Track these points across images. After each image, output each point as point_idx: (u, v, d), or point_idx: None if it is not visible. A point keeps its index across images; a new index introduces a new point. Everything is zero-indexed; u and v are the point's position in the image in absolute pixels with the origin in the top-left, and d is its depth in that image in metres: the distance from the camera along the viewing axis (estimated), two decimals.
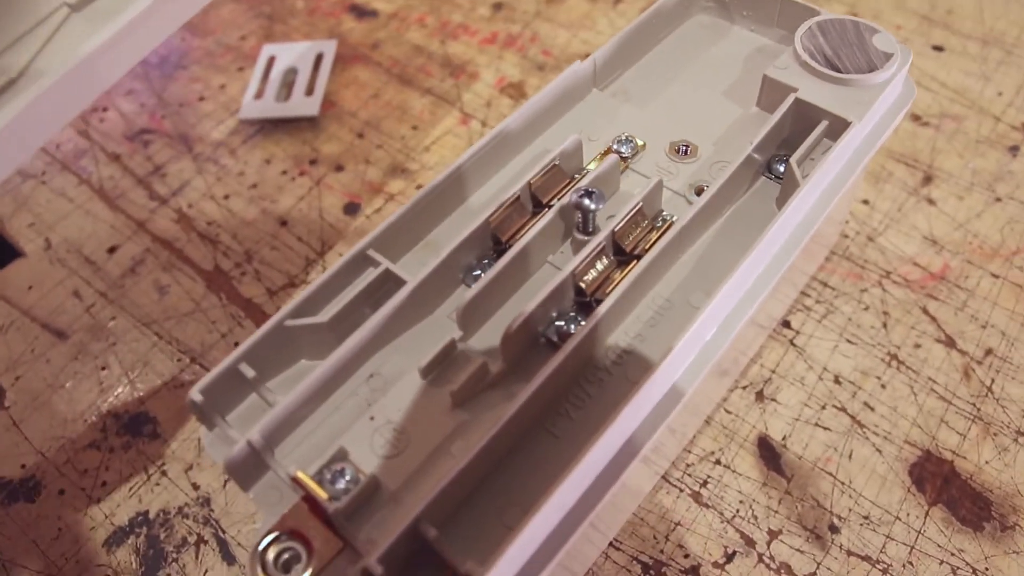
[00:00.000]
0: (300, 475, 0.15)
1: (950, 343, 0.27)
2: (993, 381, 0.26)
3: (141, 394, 0.28)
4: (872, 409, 0.26)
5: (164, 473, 0.26)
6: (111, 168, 0.36)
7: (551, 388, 0.16)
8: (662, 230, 0.18)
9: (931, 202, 0.31)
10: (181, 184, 0.34)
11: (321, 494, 0.15)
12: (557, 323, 0.17)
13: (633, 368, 0.17)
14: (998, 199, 0.31)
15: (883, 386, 0.26)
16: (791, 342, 0.27)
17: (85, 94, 0.22)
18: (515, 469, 0.16)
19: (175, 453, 0.27)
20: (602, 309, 0.16)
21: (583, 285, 0.17)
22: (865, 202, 0.31)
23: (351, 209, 0.33)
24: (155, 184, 0.35)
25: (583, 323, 0.17)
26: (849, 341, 0.27)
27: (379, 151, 0.35)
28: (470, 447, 0.15)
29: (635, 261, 0.18)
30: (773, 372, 0.27)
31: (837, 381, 0.27)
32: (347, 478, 0.15)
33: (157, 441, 0.27)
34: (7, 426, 0.28)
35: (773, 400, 0.26)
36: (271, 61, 0.39)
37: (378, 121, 0.36)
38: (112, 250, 0.32)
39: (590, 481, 0.15)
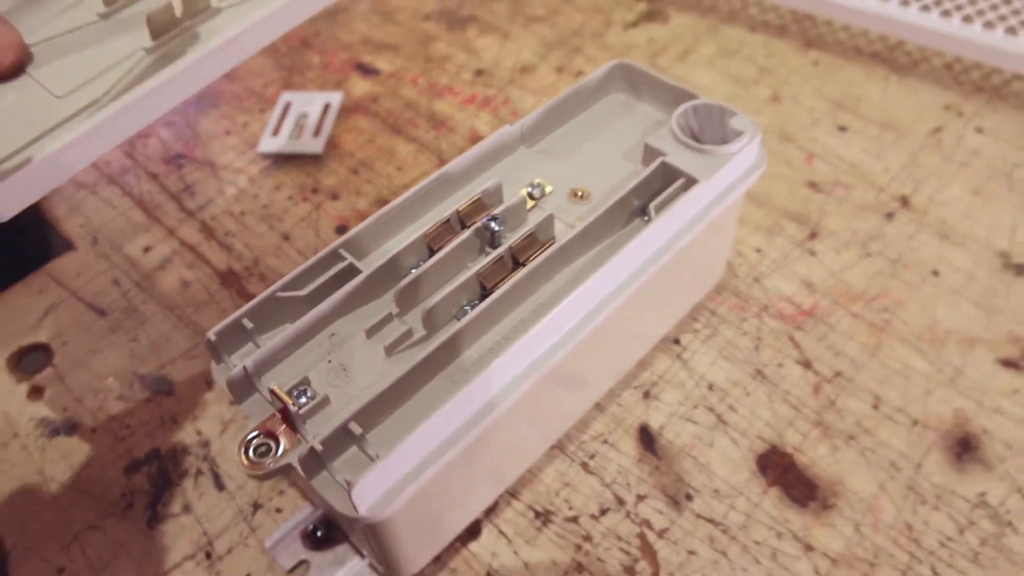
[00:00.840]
0: (276, 388, 0.23)
1: (807, 365, 0.35)
2: (837, 397, 0.34)
3: (162, 362, 0.36)
4: (735, 411, 0.34)
5: (175, 421, 0.34)
6: (150, 184, 0.44)
7: (450, 348, 0.24)
8: (546, 246, 0.27)
9: (812, 253, 0.39)
10: (206, 201, 0.43)
11: (288, 401, 0.23)
12: (465, 308, 0.25)
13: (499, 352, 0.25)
14: (868, 255, 0.39)
15: (747, 394, 0.34)
16: (678, 356, 0.35)
17: (145, 118, 0.30)
18: (421, 400, 0.24)
19: (184, 407, 0.35)
20: (493, 297, 0.24)
21: (484, 282, 0.25)
22: (758, 250, 0.39)
23: (341, 230, 0.41)
24: (184, 199, 0.43)
25: (479, 306, 0.25)
26: (725, 358, 0.35)
27: (368, 185, 0.43)
28: (389, 381, 0.23)
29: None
30: (660, 377, 0.35)
31: (710, 388, 0.34)
32: (307, 396, 0.23)
33: (172, 398, 0.35)
34: (53, 379, 0.36)
35: (656, 399, 0.34)
36: (287, 106, 0.48)
37: (371, 161, 0.45)
38: (147, 249, 0.41)
39: (464, 418, 0.23)
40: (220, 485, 0.32)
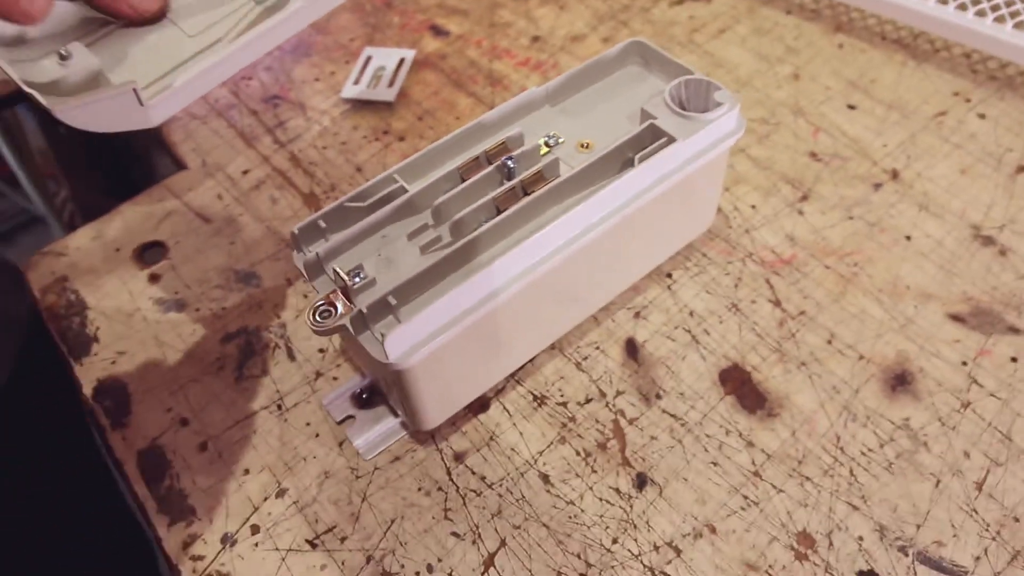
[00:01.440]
0: (338, 268, 0.32)
1: (777, 303, 0.42)
2: (798, 331, 0.41)
3: (253, 261, 0.46)
4: (708, 334, 0.41)
5: (260, 306, 0.44)
6: (250, 119, 0.54)
7: (467, 250, 0.33)
8: (551, 182, 0.35)
9: (801, 213, 0.46)
10: (295, 135, 0.53)
11: (346, 279, 0.32)
12: (483, 223, 0.34)
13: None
14: (851, 218, 0.46)
15: (721, 322, 0.42)
16: (668, 287, 0.43)
17: (252, 56, 0.38)
18: (443, 287, 0.33)
19: (268, 297, 0.44)
20: (503, 215, 0.33)
21: (499, 205, 0.34)
22: (753, 206, 0.47)
23: None
24: (278, 133, 0.53)
25: (492, 221, 0.33)
26: (708, 292, 0.43)
27: (430, 131, 0.52)
28: (419, 270, 0.32)
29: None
30: (650, 302, 0.43)
31: (691, 314, 0.42)
32: (360, 277, 0.33)
33: (259, 289, 0.45)
34: (168, 269, 0.47)
35: (645, 319, 0.42)
36: (368, 59, 0.57)
37: (434, 111, 0.53)
38: (245, 172, 0.51)
39: (472, 301, 0.32)
40: (292, 356, 0.42)
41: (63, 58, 0.29)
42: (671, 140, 0.36)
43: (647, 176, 0.35)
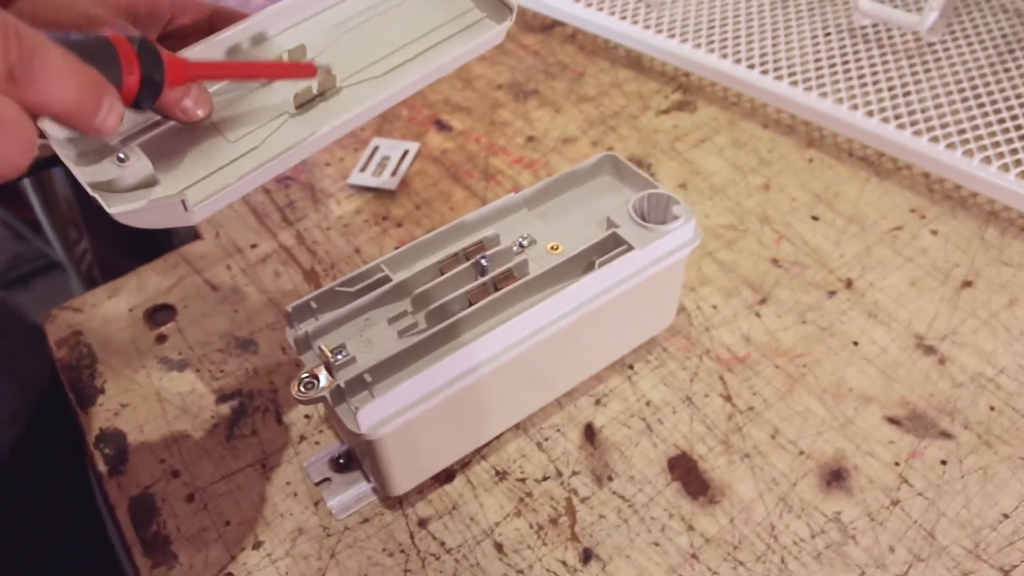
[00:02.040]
0: (323, 347, 0.37)
1: (728, 398, 0.47)
2: (744, 425, 0.46)
3: (253, 329, 0.51)
4: (661, 423, 0.46)
5: (256, 372, 0.49)
6: (263, 197, 0.60)
7: (440, 337, 0.37)
8: (519, 279, 0.40)
9: (758, 315, 0.51)
10: (303, 215, 0.58)
11: (329, 356, 0.37)
12: (457, 313, 0.39)
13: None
14: (804, 322, 0.50)
15: (674, 412, 0.46)
16: (629, 377, 0.48)
17: (285, 165, 0.43)
18: (416, 369, 0.37)
19: (264, 364, 0.49)
20: (474, 307, 0.38)
21: (471, 299, 0.39)
22: (714, 307, 0.51)
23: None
24: (287, 212, 0.59)
25: (464, 311, 0.38)
26: (665, 384, 0.47)
27: (426, 219, 0.58)
28: (394, 352, 0.37)
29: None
30: (611, 391, 0.47)
31: (647, 404, 0.46)
32: (342, 355, 0.37)
33: (256, 355, 0.50)
34: (175, 331, 0.51)
35: (604, 406, 0.46)
36: (376, 149, 0.63)
37: (431, 200, 0.59)
38: (254, 246, 0.56)
39: (441, 381, 0.36)
40: (279, 420, 0.47)
41: (121, 160, 0.34)
42: (629, 248, 0.41)
43: (606, 279, 0.40)
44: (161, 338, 0.52)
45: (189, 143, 0.38)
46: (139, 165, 0.34)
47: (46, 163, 0.67)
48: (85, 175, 0.33)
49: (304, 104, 0.40)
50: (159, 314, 0.53)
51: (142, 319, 0.53)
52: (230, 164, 0.37)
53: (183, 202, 0.34)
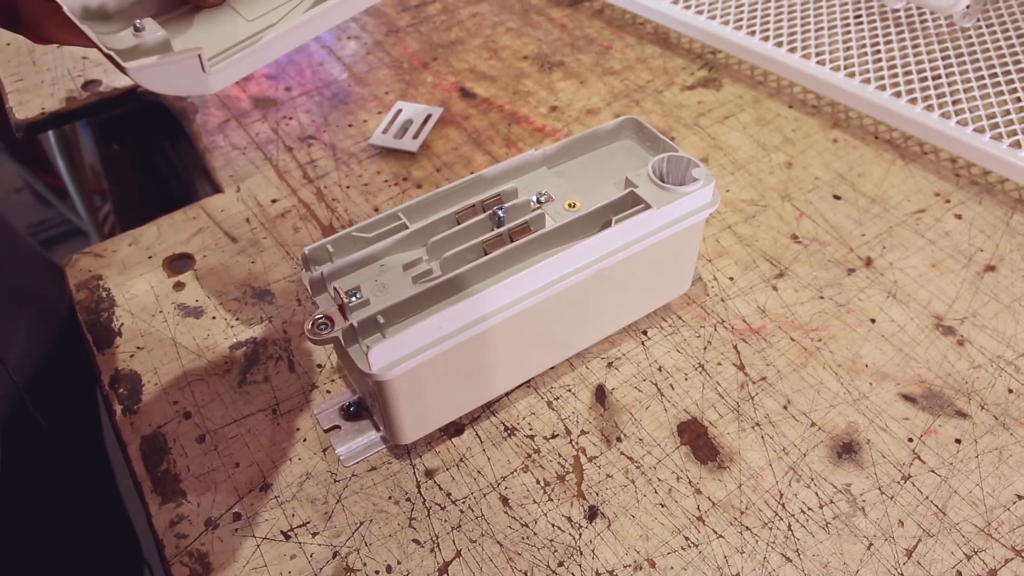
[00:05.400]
0: (338, 287, 0.37)
1: (740, 368, 0.46)
2: (756, 395, 0.45)
3: (269, 280, 0.51)
4: (673, 389, 0.45)
5: (270, 321, 0.49)
6: (285, 155, 0.60)
7: (452, 284, 0.37)
8: (534, 232, 0.40)
9: (775, 289, 0.50)
10: (323, 173, 0.59)
11: (344, 298, 0.37)
12: (470, 262, 0.39)
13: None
14: (821, 297, 0.50)
15: (686, 379, 0.46)
16: (642, 343, 0.47)
17: (298, 40, 0.41)
18: (428, 314, 0.37)
19: (278, 314, 0.49)
20: (488, 257, 0.38)
21: (486, 248, 0.39)
22: (731, 278, 0.51)
23: None
24: (308, 170, 0.59)
25: (477, 261, 0.38)
26: (678, 351, 0.47)
27: (445, 181, 0.58)
28: (407, 296, 0.36)
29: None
30: (624, 355, 0.47)
31: (660, 369, 0.46)
32: (356, 297, 0.37)
33: (271, 305, 0.50)
34: (192, 279, 0.52)
35: (616, 369, 0.46)
36: (398, 112, 0.63)
37: (451, 164, 0.59)
38: (274, 201, 0.57)
39: (450, 328, 0.36)
40: (292, 368, 0.47)
41: (137, 30, 0.34)
42: (647, 207, 0.40)
43: (622, 236, 0.40)
44: (179, 285, 0.52)
45: (209, 25, 0.38)
46: (155, 33, 0.34)
47: (70, 115, 0.68)
48: (103, 41, 0.33)
49: None
50: (178, 262, 0.54)
51: (161, 266, 0.53)
52: (248, 39, 0.37)
53: (200, 59, 0.34)
